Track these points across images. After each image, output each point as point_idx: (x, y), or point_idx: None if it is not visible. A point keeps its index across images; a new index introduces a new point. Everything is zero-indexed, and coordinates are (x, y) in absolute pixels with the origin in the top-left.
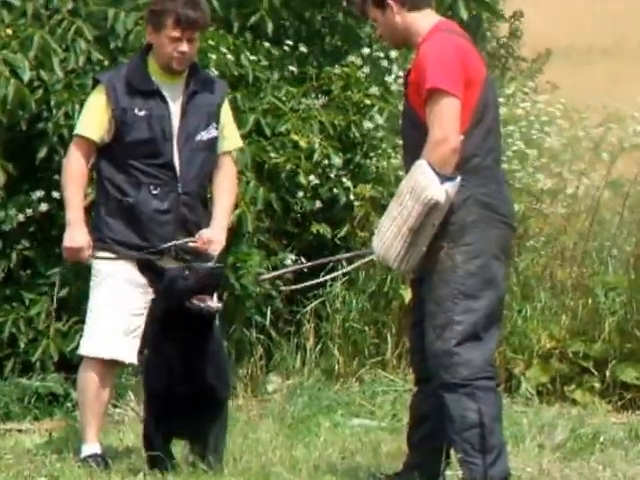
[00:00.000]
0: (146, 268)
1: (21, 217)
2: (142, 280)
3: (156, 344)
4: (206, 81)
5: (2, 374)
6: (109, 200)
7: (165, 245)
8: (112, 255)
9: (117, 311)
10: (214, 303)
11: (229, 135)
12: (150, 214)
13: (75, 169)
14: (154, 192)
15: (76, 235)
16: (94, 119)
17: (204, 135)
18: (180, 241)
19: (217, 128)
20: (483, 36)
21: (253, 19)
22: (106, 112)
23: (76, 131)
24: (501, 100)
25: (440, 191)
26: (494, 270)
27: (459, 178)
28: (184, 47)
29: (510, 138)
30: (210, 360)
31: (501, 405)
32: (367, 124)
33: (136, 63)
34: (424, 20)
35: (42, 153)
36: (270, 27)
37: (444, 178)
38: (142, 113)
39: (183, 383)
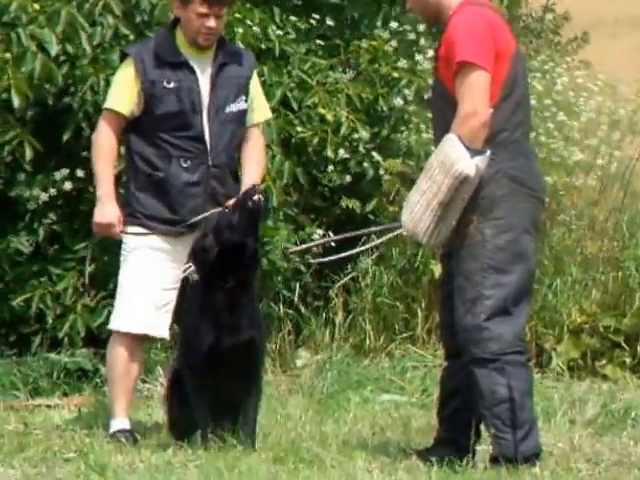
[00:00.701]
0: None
1: (45, 196)
2: (172, 254)
3: (200, 302)
4: (234, 53)
5: (30, 350)
6: (138, 174)
7: (195, 219)
8: (143, 231)
9: (148, 285)
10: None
11: (258, 107)
12: (180, 187)
13: (105, 144)
14: (184, 165)
15: (106, 210)
16: (123, 93)
17: (233, 107)
18: (209, 212)
19: (246, 100)
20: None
21: None
22: (135, 85)
23: (105, 105)
24: (537, 75)
25: (470, 165)
26: (524, 244)
27: (489, 152)
28: (211, 23)
29: (547, 112)
30: (252, 314)
31: (532, 380)
32: (396, 100)
33: (164, 36)
34: None
35: (68, 131)
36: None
37: (474, 152)
38: (171, 85)
39: (229, 334)
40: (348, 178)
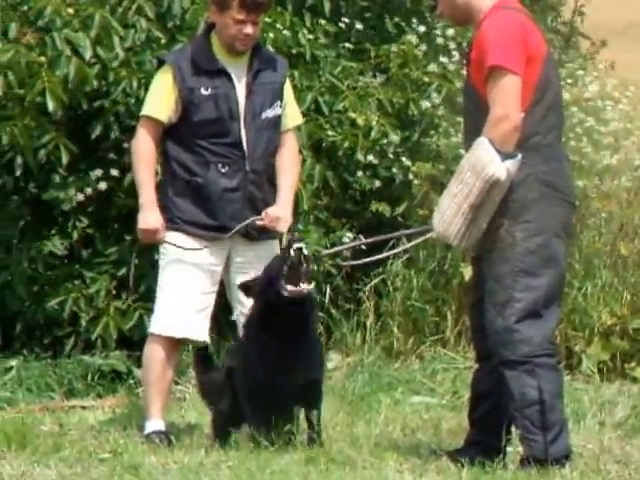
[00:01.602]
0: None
1: (80, 196)
2: (211, 259)
3: (257, 338)
4: (269, 59)
5: (63, 352)
6: (176, 180)
7: (234, 229)
8: (182, 236)
9: (187, 289)
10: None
11: (291, 112)
12: (219, 193)
13: (145, 150)
14: (222, 171)
15: (150, 217)
16: (161, 100)
17: (269, 113)
18: (248, 221)
19: (281, 106)
20: (545, 12)
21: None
22: (173, 92)
23: (143, 112)
24: (569, 81)
25: (501, 168)
26: (554, 248)
27: (520, 156)
28: (248, 29)
29: (576, 118)
30: (310, 352)
31: (562, 382)
32: (425, 104)
33: (200, 42)
34: None
35: (97, 131)
36: (327, 7)
37: (505, 155)
38: (208, 92)
39: (285, 375)
40: (377, 183)
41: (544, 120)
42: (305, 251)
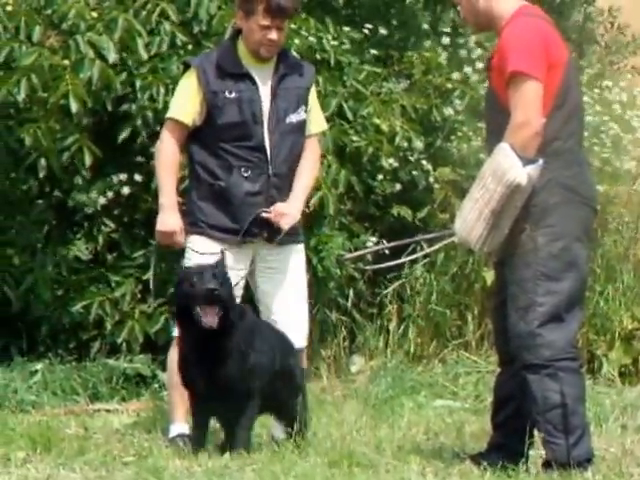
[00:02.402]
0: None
1: (103, 200)
2: (234, 263)
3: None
4: (295, 65)
5: (89, 355)
6: (200, 184)
7: (244, 228)
8: (205, 239)
9: None
10: (212, 319)
11: (315, 118)
12: (242, 196)
13: (168, 153)
14: (245, 174)
15: (169, 219)
16: (186, 103)
17: (293, 118)
18: (254, 214)
19: (306, 111)
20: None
21: None
22: (197, 95)
23: (168, 115)
24: (596, 91)
25: (522, 174)
26: (576, 252)
27: (541, 161)
28: (273, 35)
29: (604, 126)
30: (227, 359)
31: (584, 386)
32: (448, 111)
33: (226, 47)
34: (507, 4)
35: (124, 134)
36: (341, 1)
37: (526, 161)
38: (232, 96)
39: (204, 380)
40: (398, 186)
41: (565, 125)
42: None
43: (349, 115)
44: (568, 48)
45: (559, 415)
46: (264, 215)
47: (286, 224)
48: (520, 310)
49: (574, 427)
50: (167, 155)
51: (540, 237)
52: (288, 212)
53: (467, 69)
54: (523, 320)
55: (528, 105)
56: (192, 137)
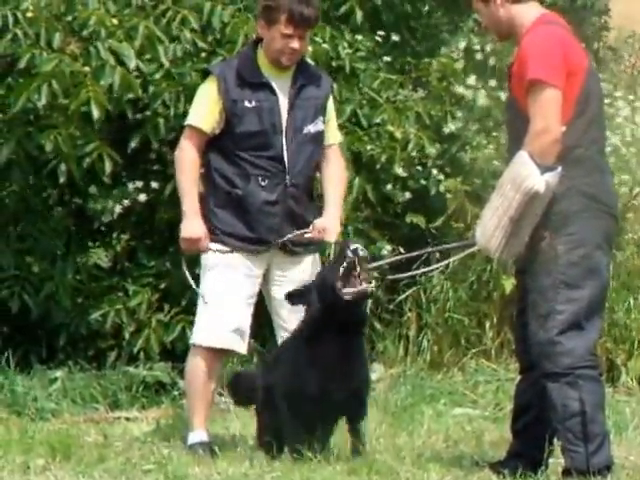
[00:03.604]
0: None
1: (118, 208)
2: (250, 270)
3: (311, 345)
4: (313, 75)
5: (106, 364)
6: (217, 191)
7: (279, 240)
8: (225, 248)
9: (227, 301)
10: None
11: (334, 128)
12: (258, 205)
13: (188, 160)
14: (262, 184)
15: (193, 226)
16: (205, 110)
17: (311, 128)
18: (295, 232)
19: (324, 121)
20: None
21: (343, 9)
22: (217, 103)
23: (188, 122)
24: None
25: (540, 181)
26: (596, 260)
27: (560, 168)
28: (295, 44)
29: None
30: (361, 359)
31: (604, 394)
32: (455, 124)
33: (246, 55)
34: (527, 12)
35: (135, 142)
36: (359, 16)
37: (544, 168)
38: (252, 105)
39: (337, 382)
40: (407, 195)
41: (586, 133)
42: (361, 252)
43: (364, 122)
44: (588, 56)
45: (578, 423)
46: (307, 236)
47: (331, 239)
48: (540, 318)
49: (594, 435)
50: (187, 162)
51: (560, 245)
52: (329, 226)
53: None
54: (543, 328)
55: (547, 112)
56: (210, 144)
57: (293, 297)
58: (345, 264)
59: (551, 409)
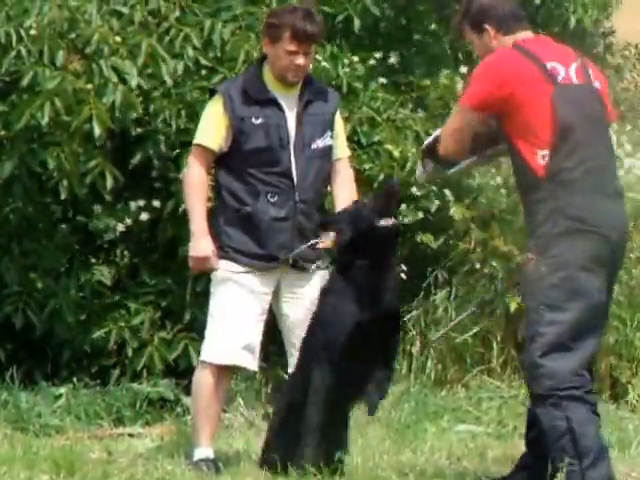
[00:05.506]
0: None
1: (121, 227)
2: (261, 287)
3: (346, 276)
4: (320, 91)
5: (109, 381)
6: (227, 209)
7: (289, 255)
8: (232, 264)
9: (237, 317)
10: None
11: (342, 142)
12: (268, 222)
13: (196, 179)
14: (272, 200)
15: (201, 245)
16: (212, 128)
17: (320, 143)
18: (307, 244)
19: (332, 136)
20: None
21: (340, 17)
22: (223, 121)
23: (195, 141)
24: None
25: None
26: (581, 282)
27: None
28: (300, 60)
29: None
30: (393, 291)
31: (591, 410)
32: None
33: (252, 73)
34: (516, 40)
35: (136, 159)
36: (357, 24)
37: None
38: (259, 121)
39: (376, 307)
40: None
41: (572, 156)
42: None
43: (363, 141)
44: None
45: (569, 440)
46: (320, 246)
47: None
48: (527, 340)
49: (586, 449)
50: (195, 181)
51: (544, 267)
52: None
53: None
54: (528, 350)
55: (448, 126)
56: (219, 162)
57: (327, 222)
58: (382, 196)
59: (544, 432)
